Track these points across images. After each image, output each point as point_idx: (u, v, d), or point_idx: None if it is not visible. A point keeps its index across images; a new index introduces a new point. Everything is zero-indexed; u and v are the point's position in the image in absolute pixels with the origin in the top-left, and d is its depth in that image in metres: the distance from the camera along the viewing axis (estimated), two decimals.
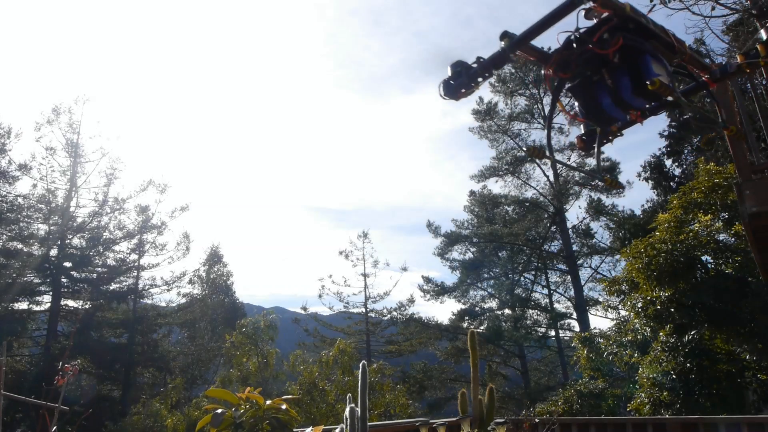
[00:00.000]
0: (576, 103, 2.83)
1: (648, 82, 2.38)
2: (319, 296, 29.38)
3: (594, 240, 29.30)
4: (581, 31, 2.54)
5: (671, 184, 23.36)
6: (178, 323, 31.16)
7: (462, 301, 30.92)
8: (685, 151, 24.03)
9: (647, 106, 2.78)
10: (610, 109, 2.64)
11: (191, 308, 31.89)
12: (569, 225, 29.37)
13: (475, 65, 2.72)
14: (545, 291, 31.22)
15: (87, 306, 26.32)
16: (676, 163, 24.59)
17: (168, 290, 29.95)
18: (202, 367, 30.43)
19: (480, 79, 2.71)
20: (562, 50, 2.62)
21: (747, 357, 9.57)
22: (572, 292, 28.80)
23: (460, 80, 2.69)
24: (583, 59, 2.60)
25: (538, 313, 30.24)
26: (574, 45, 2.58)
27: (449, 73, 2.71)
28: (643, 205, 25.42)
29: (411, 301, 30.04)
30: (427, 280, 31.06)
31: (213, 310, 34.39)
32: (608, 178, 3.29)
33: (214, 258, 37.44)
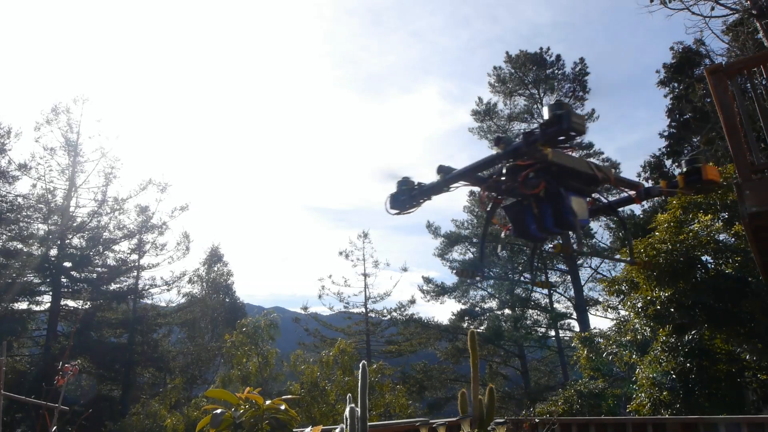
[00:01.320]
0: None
1: (553, 246, 2.98)
2: (319, 296, 29.42)
3: (594, 240, 29.30)
4: (512, 164, 2.95)
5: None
6: (177, 323, 31.17)
7: (462, 301, 30.94)
8: (685, 151, 24.03)
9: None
10: (535, 233, 3.02)
11: (191, 308, 31.91)
12: None
13: (416, 188, 3.09)
14: (545, 291, 31.22)
15: (87, 306, 26.33)
16: (676, 164, 24.59)
17: (168, 290, 30.01)
18: (202, 366, 30.43)
19: (422, 201, 3.10)
20: (497, 177, 3.01)
21: (747, 357, 9.57)
22: (572, 292, 28.80)
23: (405, 198, 3.07)
24: (513, 189, 2.99)
25: (538, 313, 30.24)
26: (505, 176, 2.98)
27: (396, 188, 3.07)
28: (643, 205, 25.45)
29: (411, 301, 30.07)
30: (427, 280, 31.09)
31: (213, 309, 34.39)
32: (539, 282, 3.84)
33: (214, 257, 37.44)
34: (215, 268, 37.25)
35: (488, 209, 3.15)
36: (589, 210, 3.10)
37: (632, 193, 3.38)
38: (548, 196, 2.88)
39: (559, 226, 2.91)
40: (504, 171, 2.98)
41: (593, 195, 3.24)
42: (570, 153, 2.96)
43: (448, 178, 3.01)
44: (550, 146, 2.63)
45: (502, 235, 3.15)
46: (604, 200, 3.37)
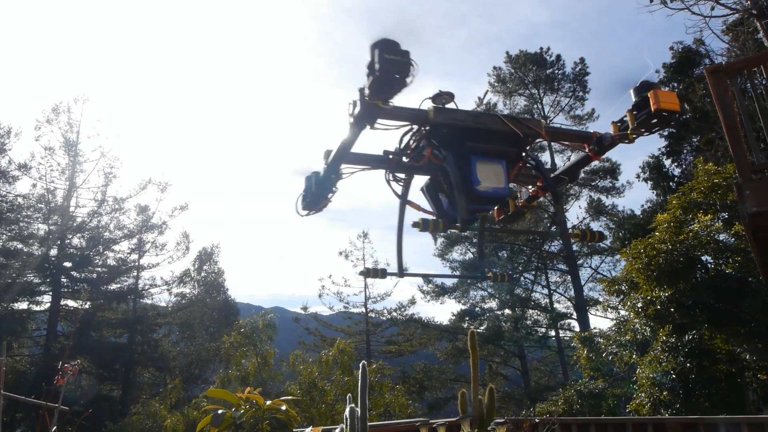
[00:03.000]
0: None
1: (413, 223, 2.44)
2: (320, 296, 29.43)
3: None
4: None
5: (671, 184, 23.38)
6: (177, 323, 31.17)
7: (462, 301, 30.94)
8: (685, 151, 24.04)
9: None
10: (448, 212, 2.62)
11: (191, 308, 31.91)
12: (569, 225, 29.37)
13: (316, 179, 2.67)
14: (545, 291, 31.24)
15: (87, 306, 26.31)
16: (676, 164, 24.61)
17: (168, 290, 30.00)
18: (201, 366, 30.43)
19: (328, 195, 2.64)
20: (395, 155, 2.61)
21: (747, 357, 9.56)
22: (572, 292, 28.79)
23: (310, 196, 2.63)
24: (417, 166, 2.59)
25: (538, 313, 30.24)
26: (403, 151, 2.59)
27: (304, 186, 2.64)
28: (642, 205, 25.46)
29: (411, 301, 30.07)
30: (428, 280, 31.07)
31: (212, 309, 34.39)
32: (492, 274, 3.19)
33: (204, 256, 37.38)
34: (205, 267, 37.20)
35: (400, 195, 2.69)
36: (514, 175, 2.67)
37: (585, 147, 2.82)
38: (448, 165, 2.44)
39: (467, 200, 2.43)
40: (402, 145, 2.57)
41: (526, 158, 2.69)
42: (463, 109, 2.51)
43: (330, 164, 2.55)
44: (383, 94, 2.13)
45: (422, 218, 2.56)
46: (532, 160, 2.75)
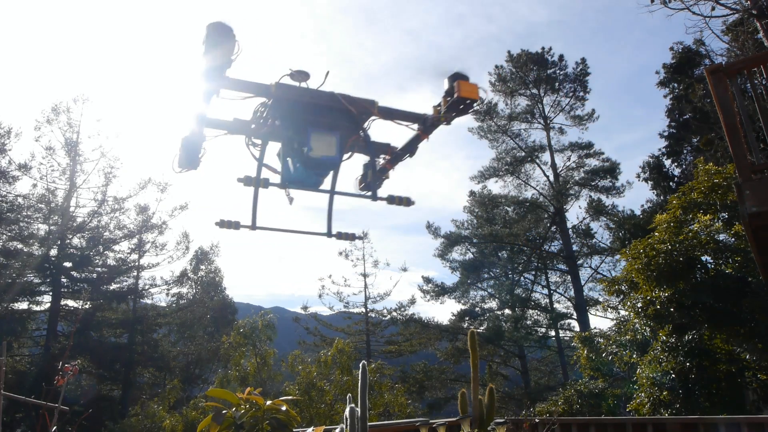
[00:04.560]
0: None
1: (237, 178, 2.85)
2: (319, 296, 29.43)
3: (594, 240, 29.31)
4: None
5: (671, 184, 23.38)
6: (176, 323, 31.16)
7: (462, 301, 30.94)
8: (685, 152, 24.04)
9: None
10: (289, 176, 3.02)
11: (190, 308, 31.90)
12: (569, 225, 29.38)
13: (188, 141, 2.91)
14: (545, 291, 31.24)
15: (87, 306, 26.31)
16: (676, 164, 24.61)
17: (168, 290, 29.99)
18: (201, 366, 30.43)
19: (199, 156, 2.89)
20: (252, 122, 2.97)
21: (747, 357, 9.57)
22: (572, 292, 28.80)
23: (187, 153, 2.87)
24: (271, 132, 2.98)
25: (538, 313, 30.24)
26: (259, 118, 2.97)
27: (179, 147, 2.88)
28: (642, 206, 25.47)
29: (411, 301, 30.07)
30: (427, 280, 31.08)
31: (211, 309, 34.38)
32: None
33: (201, 256, 37.32)
34: (202, 267, 37.16)
35: (257, 158, 3.02)
36: (350, 147, 3.07)
37: (416, 127, 3.22)
38: (288, 133, 2.87)
39: (303, 164, 2.86)
40: (255, 114, 2.96)
41: (360, 133, 3.10)
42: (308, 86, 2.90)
43: (194, 124, 2.84)
44: (214, 67, 2.58)
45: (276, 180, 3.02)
46: (363, 136, 3.15)
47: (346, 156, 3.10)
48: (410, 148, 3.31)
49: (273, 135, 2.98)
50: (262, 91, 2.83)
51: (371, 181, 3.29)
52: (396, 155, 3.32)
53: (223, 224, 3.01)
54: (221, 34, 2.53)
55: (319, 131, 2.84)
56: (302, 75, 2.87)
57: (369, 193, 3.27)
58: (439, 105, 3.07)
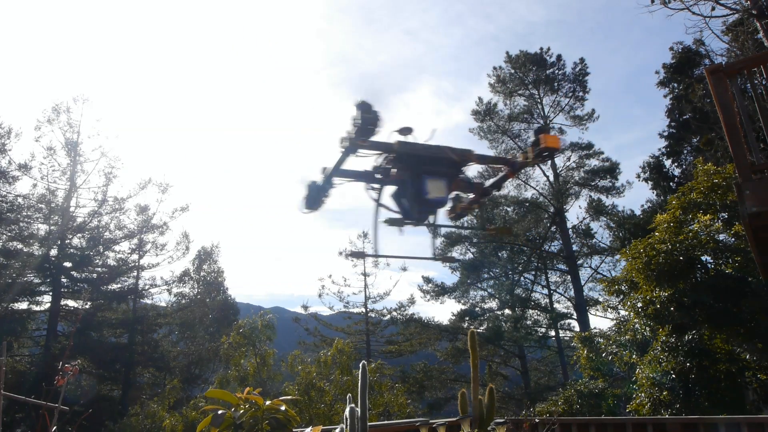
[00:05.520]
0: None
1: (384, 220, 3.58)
2: (319, 296, 29.41)
3: (594, 240, 29.32)
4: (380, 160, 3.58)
5: (671, 184, 23.39)
6: (177, 323, 31.16)
7: (462, 301, 30.94)
8: (685, 152, 24.04)
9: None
10: (407, 213, 3.60)
11: (191, 308, 31.90)
12: (569, 225, 29.38)
13: (315, 186, 3.68)
14: (545, 291, 31.24)
15: (87, 306, 26.31)
16: (676, 164, 24.62)
17: (168, 290, 29.99)
18: (202, 367, 30.42)
19: (322, 199, 3.70)
20: (372, 172, 3.62)
21: (747, 357, 9.57)
22: (572, 292, 28.80)
23: (313, 197, 3.67)
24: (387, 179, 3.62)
25: (538, 313, 30.23)
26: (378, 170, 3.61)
27: (305, 191, 3.67)
28: (642, 205, 25.50)
29: (411, 301, 30.06)
30: (427, 280, 31.08)
31: (211, 309, 34.38)
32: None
33: (204, 256, 37.33)
34: (205, 267, 37.18)
35: (375, 200, 3.68)
36: (455, 188, 3.72)
37: (505, 168, 3.92)
38: (407, 181, 3.50)
39: (419, 204, 3.48)
40: (377, 165, 3.59)
41: (461, 177, 3.74)
42: (425, 142, 3.48)
43: (326, 177, 3.58)
44: (362, 137, 3.18)
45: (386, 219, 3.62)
46: (465, 179, 3.79)
47: (451, 195, 3.76)
48: (498, 185, 4.09)
49: (391, 181, 3.63)
50: (387, 148, 3.42)
51: (461, 212, 4.03)
52: (485, 191, 4.02)
53: (353, 254, 3.75)
54: (368, 111, 3.11)
55: (432, 178, 3.45)
56: (407, 130, 3.49)
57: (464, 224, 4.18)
58: (526, 152, 3.71)
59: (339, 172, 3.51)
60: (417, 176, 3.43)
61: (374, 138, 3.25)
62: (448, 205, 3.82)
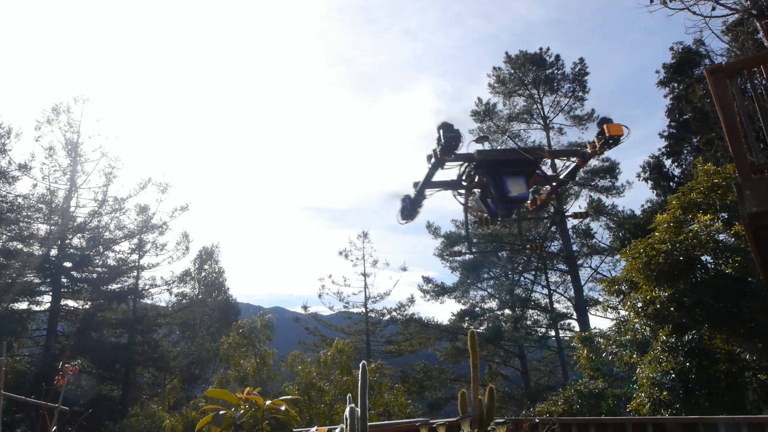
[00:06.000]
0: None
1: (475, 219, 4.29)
2: (319, 296, 29.42)
3: (594, 240, 29.31)
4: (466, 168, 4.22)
5: (671, 184, 23.39)
6: (177, 323, 31.15)
7: (462, 301, 30.93)
8: (685, 152, 24.04)
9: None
10: (495, 211, 4.16)
11: (191, 308, 31.88)
12: (569, 225, 29.36)
13: (408, 202, 4.39)
14: (545, 291, 31.23)
15: (87, 306, 26.29)
16: (676, 164, 24.62)
17: (168, 290, 29.97)
18: (202, 366, 30.40)
19: (417, 209, 4.39)
20: (458, 179, 4.27)
21: (747, 357, 9.57)
22: (572, 292, 28.79)
23: (407, 210, 4.34)
24: (472, 184, 4.24)
25: (538, 313, 30.23)
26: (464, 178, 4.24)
27: (400, 204, 4.39)
28: (642, 205, 25.48)
29: (411, 301, 30.06)
30: (427, 280, 31.08)
31: (212, 309, 34.38)
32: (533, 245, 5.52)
33: (205, 256, 37.30)
34: (206, 267, 37.16)
35: (463, 203, 4.29)
36: (533, 184, 4.20)
37: (575, 159, 4.38)
38: (493, 180, 3.95)
39: (503, 203, 3.94)
40: (461, 173, 4.16)
41: (537, 172, 4.21)
42: (499, 147, 4.18)
43: (418, 189, 4.17)
44: (446, 154, 3.72)
45: (476, 219, 4.15)
46: (541, 173, 4.28)
47: (531, 190, 4.21)
48: (572, 175, 4.55)
49: (476, 185, 4.14)
50: (468, 158, 3.95)
51: (540, 204, 4.50)
52: (561, 182, 4.53)
53: (453, 253, 4.37)
54: (450, 130, 3.61)
55: (512, 177, 3.88)
56: (483, 138, 4.11)
57: (546, 214, 4.85)
58: (593, 142, 4.09)
59: (429, 184, 4.09)
60: (498, 178, 3.87)
61: (457, 151, 3.71)
62: (529, 199, 4.26)
